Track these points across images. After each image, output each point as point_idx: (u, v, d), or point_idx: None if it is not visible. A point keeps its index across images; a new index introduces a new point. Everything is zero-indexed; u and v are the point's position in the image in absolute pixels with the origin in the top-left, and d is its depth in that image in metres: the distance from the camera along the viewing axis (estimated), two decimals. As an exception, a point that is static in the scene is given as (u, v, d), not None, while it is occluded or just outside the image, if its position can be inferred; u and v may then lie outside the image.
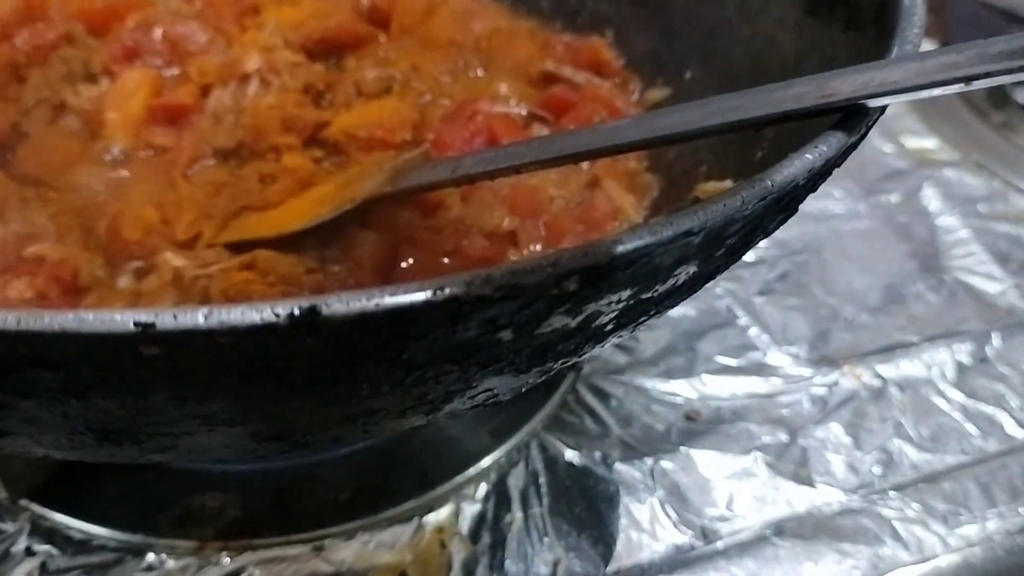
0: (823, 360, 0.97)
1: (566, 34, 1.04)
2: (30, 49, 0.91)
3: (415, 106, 0.93)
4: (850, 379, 0.95)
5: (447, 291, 0.37)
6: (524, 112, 0.93)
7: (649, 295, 0.47)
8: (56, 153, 0.85)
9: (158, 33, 0.94)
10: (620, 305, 0.46)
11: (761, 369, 0.95)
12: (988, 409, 0.93)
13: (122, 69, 0.92)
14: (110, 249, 0.77)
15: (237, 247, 0.79)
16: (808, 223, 1.12)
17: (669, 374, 0.94)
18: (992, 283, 1.07)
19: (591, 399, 0.90)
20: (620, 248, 0.40)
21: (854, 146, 0.52)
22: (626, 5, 1.02)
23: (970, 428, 0.91)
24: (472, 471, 0.83)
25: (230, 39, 0.96)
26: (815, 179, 0.50)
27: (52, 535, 0.77)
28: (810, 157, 0.48)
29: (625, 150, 0.60)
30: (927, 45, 1.43)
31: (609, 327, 0.48)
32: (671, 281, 0.47)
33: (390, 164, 0.83)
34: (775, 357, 0.96)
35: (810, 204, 1.14)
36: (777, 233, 1.12)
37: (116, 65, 0.92)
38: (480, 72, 0.99)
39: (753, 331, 0.99)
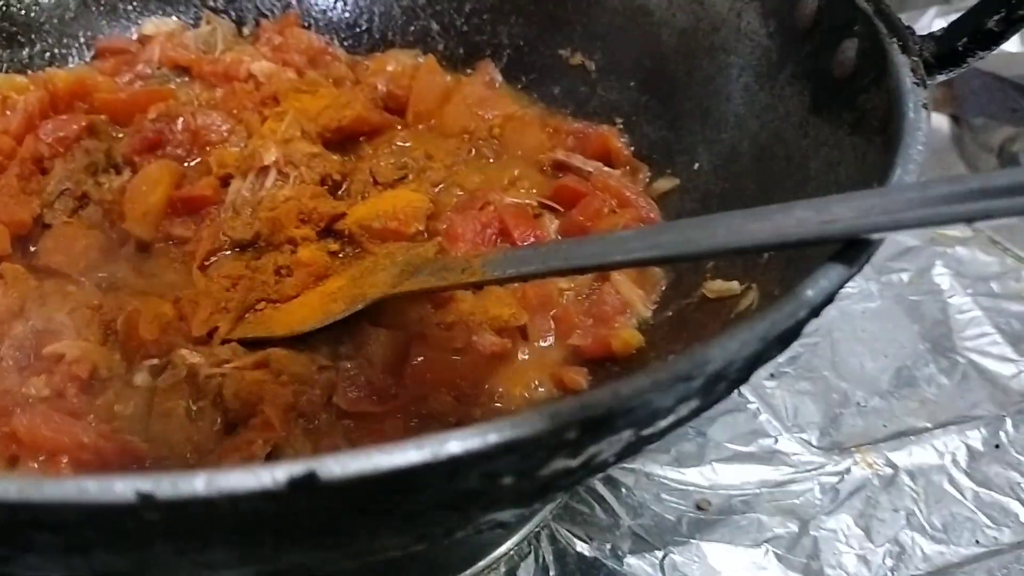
0: (834, 447, 0.96)
1: (576, 121, 1.06)
2: (53, 140, 0.93)
3: (429, 195, 0.94)
4: (862, 467, 0.95)
5: (445, 452, 0.38)
6: (535, 203, 0.94)
7: (651, 431, 0.47)
8: (77, 245, 0.87)
9: (179, 123, 0.96)
10: (622, 443, 0.46)
11: (772, 457, 0.95)
12: (1002, 498, 0.92)
13: (144, 159, 0.94)
14: (127, 346, 0.79)
15: (252, 342, 0.81)
16: (819, 304, 1.12)
17: (680, 461, 0.93)
18: (1006, 365, 1.06)
19: (601, 487, 0.90)
20: (618, 397, 0.41)
21: (853, 275, 0.52)
22: (635, 94, 1.03)
23: (983, 518, 0.90)
24: (483, 563, 0.83)
25: (250, 128, 0.98)
26: (815, 312, 0.50)
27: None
28: (811, 294, 0.48)
29: (628, 266, 0.61)
30: (938, 118, 1.44)
31: (612, 460, 0.49)
32: (672, 416, 0.47)
33: (402, 258, 0.84)
34: (786, 444, 0.96)
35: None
36: (788, 315, 1.13)
37: (138, 156, 0.94)
38: (492, 160, 1.01)
39: (764, 416, 0.98)
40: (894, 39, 0.72)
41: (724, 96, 0.92)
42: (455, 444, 0.38)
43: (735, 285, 0.75)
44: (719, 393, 0.51)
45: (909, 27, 0.75)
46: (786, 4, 0.87)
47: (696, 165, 0.94)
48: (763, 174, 0.84)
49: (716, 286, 0.77)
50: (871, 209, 0.51)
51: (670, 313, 0.81)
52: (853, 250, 0.52)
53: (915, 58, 0.70)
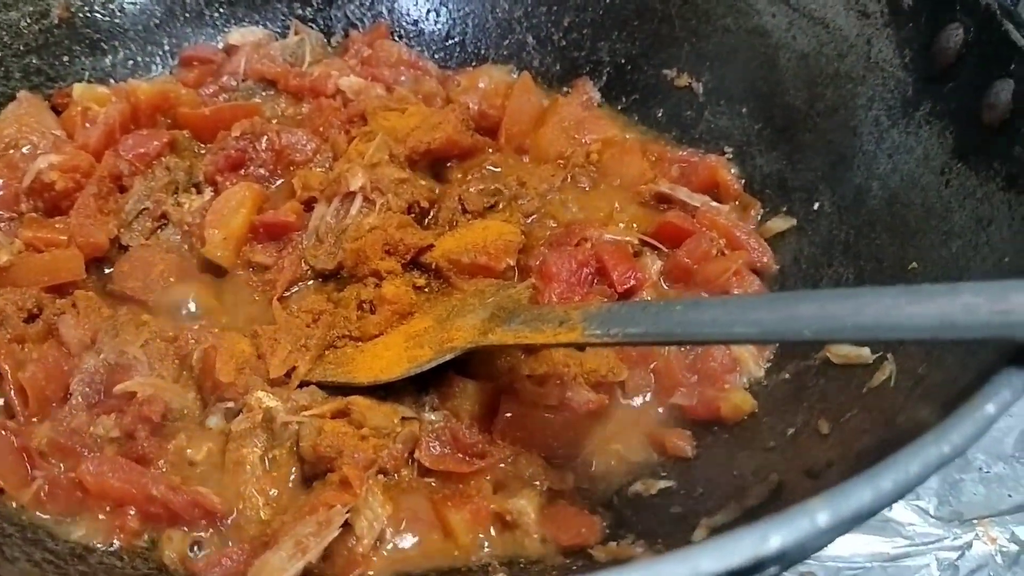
0: (954, 517, 0.88)
1: (681, 148, 0.98)
2: (134, 157, 0.89)
3: (520, 226, 0.88)
4: (984, 541, 0.86)
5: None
6: (635, 240, 0.87)
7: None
8: (153, 270, 0.83)
9: (263, 142, 0.92)
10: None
11: (885, 526, 0.87)
12: None
13: (226, 179, 0.90)
14: (202, 385, 0.74)
15: (331, 385, 0.76)
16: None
17: (782, 527, 0.86)
18: None
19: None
20: (770, 547, 0.35)
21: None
22: (747, 121, 0.95)
23: (1122, 608, 0.81)
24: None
25: (336, 148, 0.93)
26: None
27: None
28: (992, 410, 0.41)
29: (754, 341, 0.54)
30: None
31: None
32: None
33: (492, 299, 0.78)
34: (901, 512, 0.88)
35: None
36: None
37: (220, 175, 0.90)
38: (589, 188, 0.94)
39: (876, 480, 0.90)
40: (1061, 85, 0.64)
41: (850, 130, 0.84)
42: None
43: (866, 353, 0.67)
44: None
45: (1080, 71, 0.67)
46: (924, 33, 0.78)
47: (816, 205, 0.86)
48: (897, 223, 0.76)
49: (843, 351, 0.69)
50: (1060, 302, 0.44)
51: (787, 376, 0.74)
52: (1037, 353, 0.44)
53: (1089, 109, 0.61)
